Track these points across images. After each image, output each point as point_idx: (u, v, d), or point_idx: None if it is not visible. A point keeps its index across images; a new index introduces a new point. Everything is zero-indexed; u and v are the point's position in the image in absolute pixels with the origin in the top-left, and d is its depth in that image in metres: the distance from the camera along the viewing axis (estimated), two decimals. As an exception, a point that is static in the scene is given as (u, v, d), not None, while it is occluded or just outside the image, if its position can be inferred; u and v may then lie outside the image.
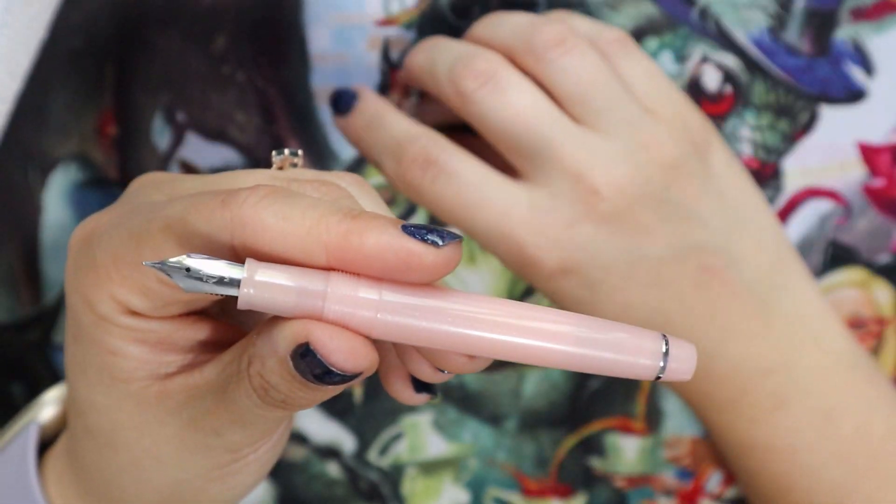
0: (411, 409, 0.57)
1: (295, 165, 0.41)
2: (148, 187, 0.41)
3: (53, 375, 0.58)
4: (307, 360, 0.36)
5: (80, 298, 0.39)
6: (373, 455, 0.58)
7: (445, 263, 0.35)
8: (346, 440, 0.58)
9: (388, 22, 0.54)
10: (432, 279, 0.35)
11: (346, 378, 0.36)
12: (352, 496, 0.58)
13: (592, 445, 0.57)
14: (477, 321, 0.36)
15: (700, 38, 0.53)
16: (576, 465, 0.57)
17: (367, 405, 0.57)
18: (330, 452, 0.58)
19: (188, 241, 0.37)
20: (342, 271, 0.36)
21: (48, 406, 0.47)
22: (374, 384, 0.57)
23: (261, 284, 0.35)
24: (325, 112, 0.54)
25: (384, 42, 0.54)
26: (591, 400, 0.56)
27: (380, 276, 0.35)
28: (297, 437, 0.58)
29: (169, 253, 0.37)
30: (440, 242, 0.35)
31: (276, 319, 0.36)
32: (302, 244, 0.35)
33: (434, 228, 0.35)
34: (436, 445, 0.58)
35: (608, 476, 0.57)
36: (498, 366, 0.56)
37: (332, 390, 0.36)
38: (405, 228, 0.35)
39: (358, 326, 0.36)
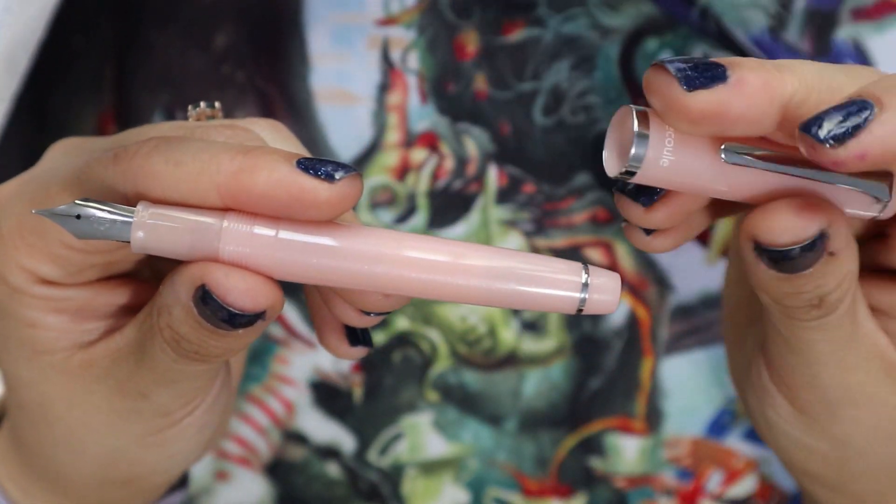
0: (411, 409, 0.57)
1: (212, 118, 0.40)
2: (58, 154, 0.40)
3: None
4: (209, 305, 0.35)
5: None
6: (373, 455, 0.58)
7: (341, 199, 0.34)
8: (346, 440, 0.58)
9: (388, 22, 0.54)
10: (330, 216, 0.34)
11: (251, 319, 0.35)
12: (352, 496, 0.58)
13: (592, 445, 0.57)
14: (381, 257, 0.34)
15: (700, 38, 0.53)
16: (576, 465, 0.57)
17: (367, 405, 0.57)
18: (330, 452, 0.58)
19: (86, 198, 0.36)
20: (240, 211, 0.34)
21: None
22: (374, 384, 0.57)
23: (152, 226, 0.34)
24: (325, 112, 0.54)
25: (384, 42, 0.54)
26: (591, 400, 0.56)
27: (276, 215, 0.34)
28: (297, 438, 0.58)
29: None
30: (336, 176, 0.34)
31: (177, 266, 0.35)
32: (194, 187, 0.34)
33: (331, 161, 0.34)
34: (436, 445, 0.58)
35: (608, 476, 0.57)
36: (498, 366, 0.56)
37: (243, 335, 0.35)
38: (299, 163, 0.34)
39: (256, 266, 0.34)
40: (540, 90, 0.54)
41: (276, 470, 0.59)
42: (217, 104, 0.41)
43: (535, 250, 0.55)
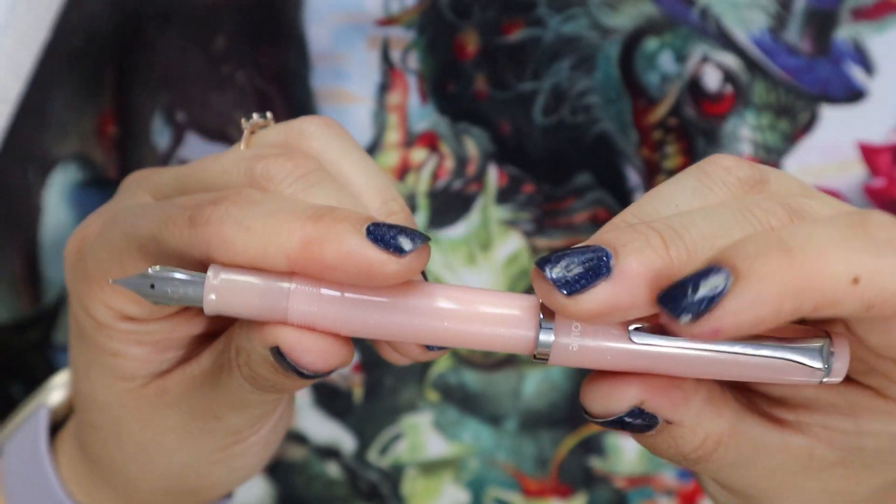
0: (411, 409, 0.57)
1: (265, 127, 0.42)
2: (133, 187, 0.42)
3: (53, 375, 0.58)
4: (284, 361, 0.36)
5: (80, 305, 0.40)
6: (373, 455, 0.58)
7: (407, 272, 0.35)
8: (346, 440, 0.58)
9: (388, 22, 0.54)
10: (395, 284, 0.35)
11: (324, 374, 0.36)
12: (352, 496, 0.58)
13: (592, 445, 0.57)
14: (445, 314, 0.35)
15: (700, 38, 0.53)
16: (576, 465, 0.57)
17: (367, 405, 0.57)
18: (330, 452, 0.58)
19: (163, 258, 0.37)
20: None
21: (57, 390, 0.48)
22: (374, 384, 0.57)
23: (223, 291, 0.35)
24: (325, 112, 0.54)
25: (384, 42, 0.54)
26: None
27: (342, 283, 0.35)
28: (297, 437, 0.58)
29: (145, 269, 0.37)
30: (406, 248, 0.34)
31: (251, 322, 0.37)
32: (264, 254, 0.35)
33: (404, 229, 0.35)
34: (436, 445, 0.58)
35: (608, 476, 0.57)
36: (498, 366, 0.56)
37: (319, 378, 0.37)
38: (369, 233, 0.35)
39: (324, 325, 0.35)
40: (540, 90, 0.54)
41: (276, 470, 0.59)
42: (269, 115, 0.42)
43: (535, 250, 0.55)
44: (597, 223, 0.55)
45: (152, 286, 0.36)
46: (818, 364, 0.35)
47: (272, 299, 0.35)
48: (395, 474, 0.58)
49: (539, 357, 0.35)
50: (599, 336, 0.35)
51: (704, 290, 0.32)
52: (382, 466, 0.58)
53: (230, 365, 0.38)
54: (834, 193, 0.55)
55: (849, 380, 0.37)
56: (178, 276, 0.36)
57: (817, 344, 0.35)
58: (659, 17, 0.53)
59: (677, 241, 0.34)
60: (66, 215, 0.56)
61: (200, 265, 0.36)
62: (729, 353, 0.34)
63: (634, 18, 0.53)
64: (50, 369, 0.58)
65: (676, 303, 0.32)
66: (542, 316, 0.35)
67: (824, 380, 0.35)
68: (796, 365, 0.35)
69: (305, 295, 0.35)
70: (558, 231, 0.55)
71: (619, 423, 0.36)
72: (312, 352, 0.35)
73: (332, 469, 0.58)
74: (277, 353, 0.36)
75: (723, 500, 0.41)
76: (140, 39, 0.54)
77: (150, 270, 0.36)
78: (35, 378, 0.58)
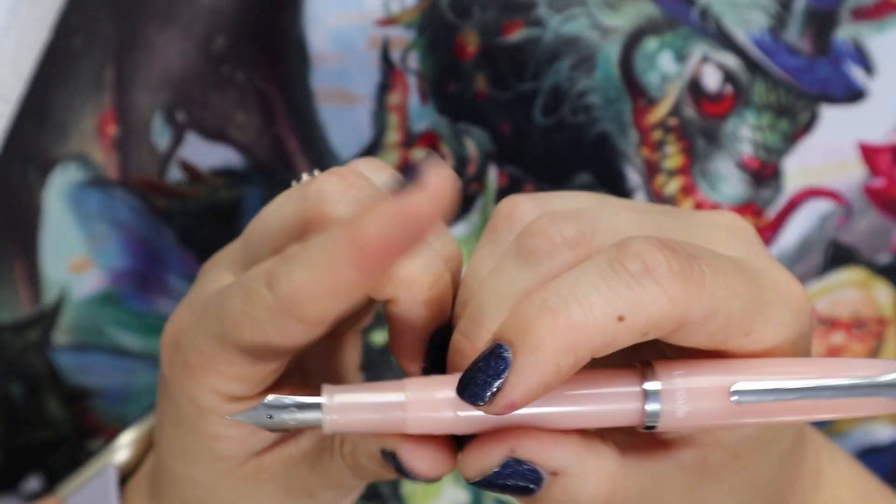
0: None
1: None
2: (212, 271, 0.42)
3: (53, 375, 0.58)
4: (395, 463, 0.37)
5: (182, 393, 0.40)
6: (373, 455, 0.58)
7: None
8: (346, 440, 0.58)
9: (388, 22, 0.54)
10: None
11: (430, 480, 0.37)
12: (352, 496, 0.58)
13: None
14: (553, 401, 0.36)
15: (700, 38, 0.53)
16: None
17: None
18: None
19: (257, 353, 0.37)
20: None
21: (123, 450, 0.49)
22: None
23: (341, 411, 0.36)
24: (325, 112, 0.54)
25: (384, 42, 0.54)
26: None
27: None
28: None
29: (240, 362, 0.38)
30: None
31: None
32: (335, 292, 0.36)
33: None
34: (436, 446, 0.58)
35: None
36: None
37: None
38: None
39: (441, 431, 0.36)
40: (540, 90, 0.54)
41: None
42: (316, 172, 0.42)
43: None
44: (597, 223, 0.55)
45: (270, 416, 0.37)
46: None
47: (390, 413, 0.36)
48: (394, 474, 0.58)
49: (648, 427, 0.37)
50: (703, 399, 0.36)
51: (489, 373, 0.34)
52: (382, 466, 0.58)
53: (332, 451, 0.39)
54: (834, 194, 0.55)
55: None
56: (294, 401, 0.37)
57: None
58: (659, 17, 0.53)
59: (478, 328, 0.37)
60: (67, 215, 0.56)
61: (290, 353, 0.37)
62: (825, 397, 0.36)
63: (634, 18, 0.53)
64: (49, 369, 0.58)
65: (470, 392, 0.35)
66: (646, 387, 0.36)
67: None
68: (885, 401, 0.36)
69: (421, 404, 0.36)
70: (558, 231, 0.55)
71: (502, 485, 0.36)
72: (426, 461, 0.37)
73: (332, 469, 0.58)
74: (391, 456, 0.37)
75: None
76: (140, 39, 0.54)
77: (265, 402, 0.37)
78: (35, 378, 0.58)
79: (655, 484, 0.38)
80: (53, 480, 0.60)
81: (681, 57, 0.53)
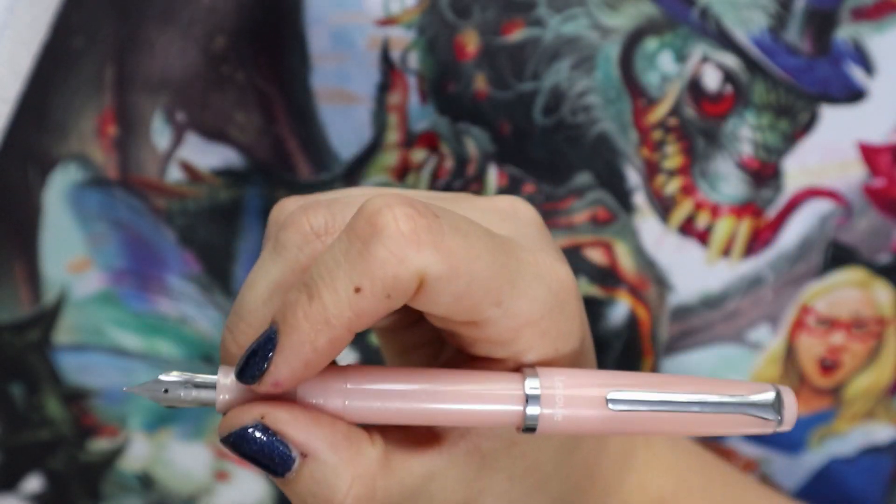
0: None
1: None
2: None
3: (53, 375, 0.58)
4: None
5: None
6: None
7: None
8: (346, 440, 0.58)
9: (388, 22, 0.54)
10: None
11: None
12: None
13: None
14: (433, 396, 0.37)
15: (700, 38, 0.53)
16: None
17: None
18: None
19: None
20: None
21: None
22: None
23: (233, 389, 0.37)
24: (325, 112, 0.54)
25: (384, 42, 0.54)
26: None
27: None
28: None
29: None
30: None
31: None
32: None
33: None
34: (436, 445, 0.58)
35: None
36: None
37: None
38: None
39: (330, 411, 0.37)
40: (540, 90, 0.54)
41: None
42: None
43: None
44: (597, 223, 0.55)
45: (166, 391, 0.37)
46: (771, 416, 0.38)
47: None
48: (395, 474, 0.58)
49: (528, 429, 0.37)
50: (580, 405, 0.37)
51: (258, 354, 0.35)
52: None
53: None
54: (834, 194, 0.55)
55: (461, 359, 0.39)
56: (190, 379, 0.37)
57: (770, 396, 0.38)
58: (659, 17, 0.53)
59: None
60: (67, 215, 0.56)
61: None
62: (694, 411, 0.37)
63: (634, 18, 0.53)
64: (50, 369, 0.58)
65: (244, 372, 0.36)
66: (527, 392, 0.37)
67: (777, 430, 0.38)
68: (751, 418, 0.38)
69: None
70: (558, 231, 0.55)
71: (248, 452, 0.36)
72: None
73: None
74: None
75: None
76: (140, 39, 0.54)
77: (161, 376, 0.37)
78: (35, 378, 0.58)
79: (426, 483, 0.38)
80: (53, 480, 0.60)
81: (681, 57, 0.53)
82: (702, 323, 0.56)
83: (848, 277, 0.56)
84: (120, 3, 0.54)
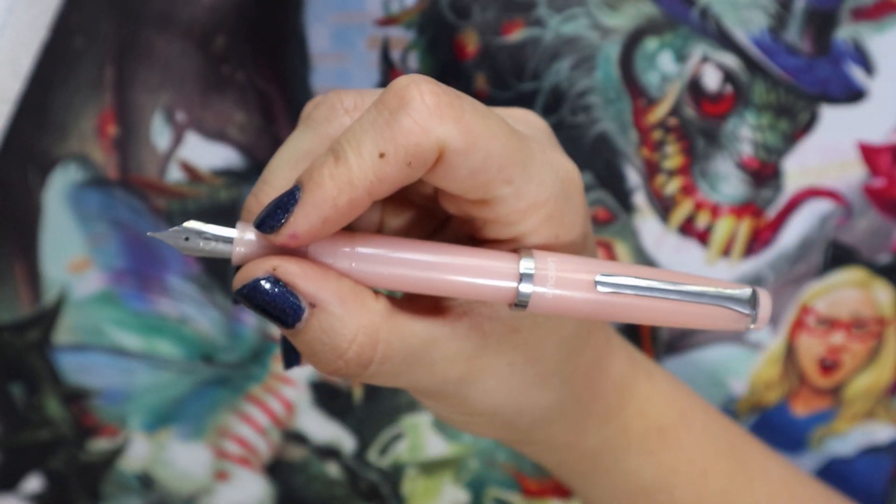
0: (411, 409, 0.57)
1: None
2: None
3: (53, 375, 0.58)
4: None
5: None
6: (373, 455, 0.58)
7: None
8: (346, 440, 0.58)
9: (388, 22, 0.54)
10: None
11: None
12: (352, 496, 0.58)
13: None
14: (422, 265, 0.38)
15: (700, 38, 0.53)
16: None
17: (367, 405, 0.57)
18: (330, 452, 0.58)
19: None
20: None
21: None
22: (374, 385, 0.57)
23: (249, 244, 0.38)
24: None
25: (384, 42, 0.54)
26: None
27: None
28: (297, 437, 0.58)
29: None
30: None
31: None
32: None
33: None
34: (436, 446, 0.58)
35: (608, 476, 0.57)
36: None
37: None
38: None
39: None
40: (540, 90, 0.54)
41: (276, 470, 0.59)
42: None
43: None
44: (597, 223, 0.55)
45: (186, 239, 0.38)
46: (747, 311, 0.39)
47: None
48: (395, 474, 0.58)
49: (519, 304, 0.38)
50: (570, 286, 0.38)
51: (280, 207, 0.37)
52: (382, 466, 0.58)
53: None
54: (834, 194, 0.55)
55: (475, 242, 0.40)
56: (211, 231, 0.38)
57: (747, 292, 0.39)
58: (659, 17, 0.53)
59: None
60: (66, 215, 0.56)
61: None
62: (675, 299, 0.39)
63: (634, 18, 0.53)
64: (50, 369, 0.58)
65: (264, 222, 0.37)
66: (521, 270, 0.38)
67: (751, 326, 0.39)
68: (728, 311, 0.39)
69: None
70: (558, 231, 0.55)
71: (260, 302, 0.37)
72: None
73: (332, 469, 0.58)
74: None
75: (443, 413, 0.43)
76: (140, 39, 0.54)
77: (186, 224, 0.38)
78: (35, 378, 0.58)
79: (428, 347, 0.39)
80: (53, 480, 0.60)
81: (681, 57, 0.53)
82: (702, 323, 0.56)
83: (848, 277, 0.56)
84: (120, 4, 0.54)
